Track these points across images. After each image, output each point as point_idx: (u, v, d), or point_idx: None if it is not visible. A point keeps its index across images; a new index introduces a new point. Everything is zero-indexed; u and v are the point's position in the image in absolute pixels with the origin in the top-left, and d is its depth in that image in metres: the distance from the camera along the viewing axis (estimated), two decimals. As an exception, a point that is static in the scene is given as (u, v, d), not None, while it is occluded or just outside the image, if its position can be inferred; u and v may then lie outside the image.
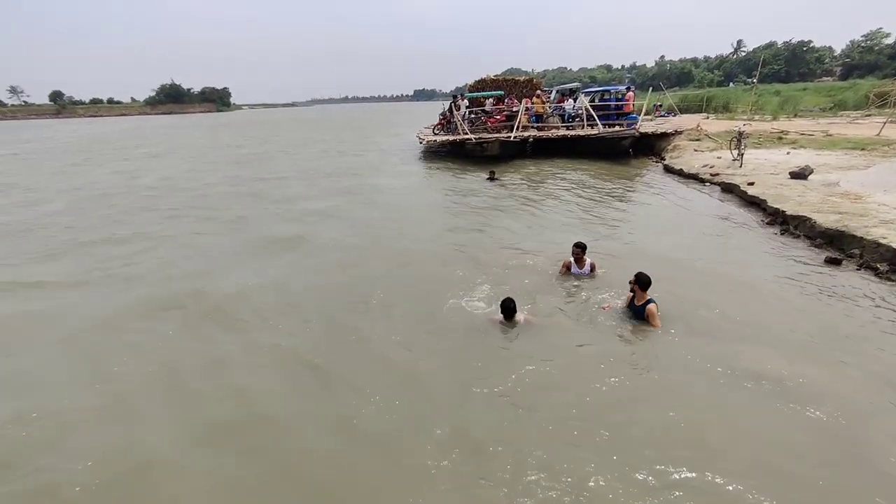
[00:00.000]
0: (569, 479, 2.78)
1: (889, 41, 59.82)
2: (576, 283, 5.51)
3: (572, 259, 5.66)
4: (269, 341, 4.59)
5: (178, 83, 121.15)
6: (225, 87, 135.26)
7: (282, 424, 3.47)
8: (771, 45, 73.51)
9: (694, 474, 2.77)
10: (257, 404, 3.70)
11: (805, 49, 69.00)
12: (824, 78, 61.85)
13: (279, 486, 2.92)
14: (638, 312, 4.59)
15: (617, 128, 16.30)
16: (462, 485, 2.82)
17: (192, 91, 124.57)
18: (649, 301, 4.51)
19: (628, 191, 11.18)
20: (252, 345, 4.55)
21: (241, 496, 2.88)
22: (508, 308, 4.51)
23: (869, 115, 20.87)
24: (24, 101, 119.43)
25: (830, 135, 14.87)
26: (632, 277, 4.59)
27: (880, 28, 62.30)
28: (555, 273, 5.81)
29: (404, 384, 3.87)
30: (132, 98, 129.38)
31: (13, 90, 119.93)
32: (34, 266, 6.92)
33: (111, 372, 4.16)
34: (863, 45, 63.19)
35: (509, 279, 5.73)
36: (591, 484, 2.75)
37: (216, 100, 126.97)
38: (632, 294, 4.66)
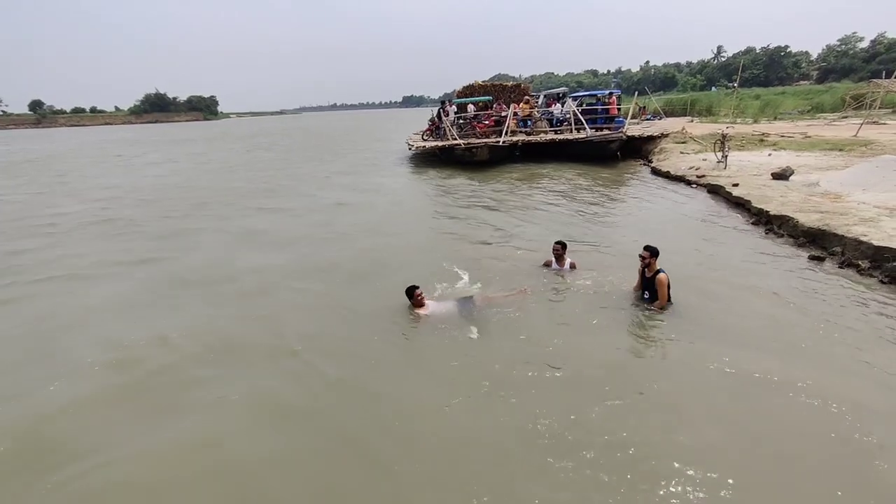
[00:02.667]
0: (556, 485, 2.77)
1: (863, 45, 61.89)
2: (550, 280, 5.62)
3: (553, 256, 5.85)
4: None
5: (162, 92, 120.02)
6: (212, 96, 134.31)
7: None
8: (749, 50, 75.45)
9: (694, 479, 2.75)
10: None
11: (783, 54, 70.99)
12: (801, 82, 63.54)
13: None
14: (649, 283, 4.70)
15: (605, 131, 16.56)
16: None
17: (177, 100, 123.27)
18: (659, 271, 4.62)
19: (616, 193, 11.33)
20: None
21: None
22: (408, 294, 4.85)
23: (845, 118, 21.48)
24: (3, 111, 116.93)
25: (809, 136, 15.27)
26: (642, 251, 4.70)
27: (854, 32, 64.49)
28: (533, 269, 5.98)
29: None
30: (116, 107, 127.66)
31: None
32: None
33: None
34: (838, 49, 65.24)
35: (486, 273, 5.92)
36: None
37: (203, 108, 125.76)
38: (641, 269, 4.78)
